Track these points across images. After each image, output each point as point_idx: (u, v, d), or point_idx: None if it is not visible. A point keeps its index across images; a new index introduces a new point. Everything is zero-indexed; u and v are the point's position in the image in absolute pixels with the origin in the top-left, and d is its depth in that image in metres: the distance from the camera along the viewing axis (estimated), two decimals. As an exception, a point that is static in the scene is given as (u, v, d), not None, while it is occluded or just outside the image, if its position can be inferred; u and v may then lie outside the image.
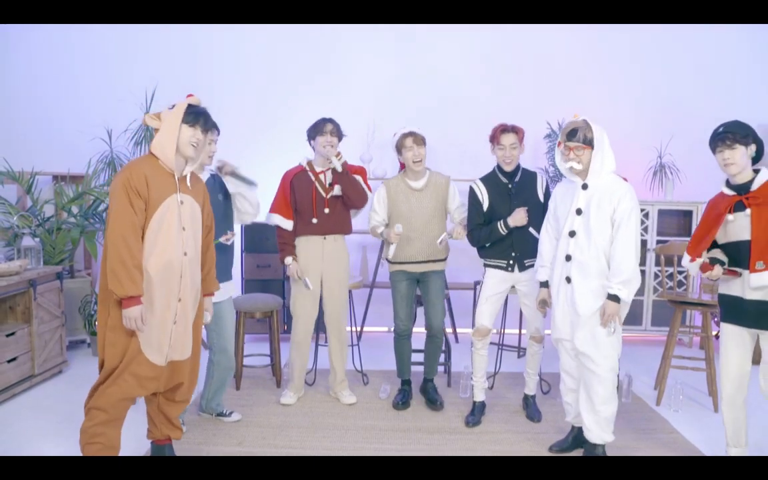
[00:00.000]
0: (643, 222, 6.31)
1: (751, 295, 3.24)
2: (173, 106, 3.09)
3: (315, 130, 4.30)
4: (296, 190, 4.32)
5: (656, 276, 6.37)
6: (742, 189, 3.26)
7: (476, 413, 4.27)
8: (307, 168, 4.39)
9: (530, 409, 4.36)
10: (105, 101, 6.46)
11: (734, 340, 3.38)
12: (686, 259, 3.50)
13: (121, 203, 2.94)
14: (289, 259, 4.35)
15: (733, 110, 6.52)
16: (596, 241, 3.41)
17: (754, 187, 3.22)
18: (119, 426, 3.21)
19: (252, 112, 6.51)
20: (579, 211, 3.47)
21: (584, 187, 3.47)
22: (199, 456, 3.61)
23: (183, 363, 3.25)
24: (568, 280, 3.51)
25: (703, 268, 3.36)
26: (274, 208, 4.36)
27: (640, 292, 6.34)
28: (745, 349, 3.38)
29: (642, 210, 6.29)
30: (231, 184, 3.97)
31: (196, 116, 3.08)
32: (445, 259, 4.44)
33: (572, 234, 3.50)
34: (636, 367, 5.54)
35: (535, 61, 6.63)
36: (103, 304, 3.07)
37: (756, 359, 3.53)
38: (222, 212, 3.94)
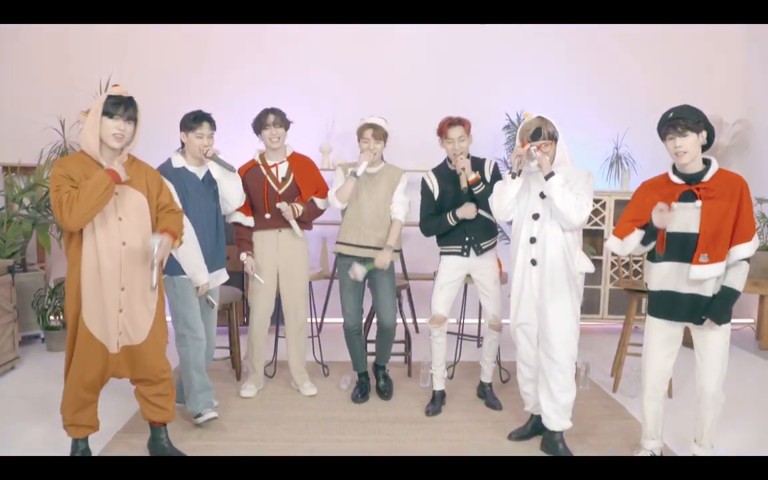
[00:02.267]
0: (599, 212, 6.40)
1: (686, 289, 3.15)
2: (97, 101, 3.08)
3: (259, 125, 4.26)
4: (249, 186, 4.27)
5: (613, 265, 6.47)
6: (692, 179, 3.12)
7: (436, 402, 4.30)
8: (260, 162, 4.34)
9: (488, 397, 4.41)
10: (58, 90, 6.31)
11: (661, 335, 3.31)
12: (614, 241, 3.35)
13: (55, 185, 2.99)
14: (243, 256, 4.31)
15: (688, 101, 6.67)
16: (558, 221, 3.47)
17: (707, 178, 3.09)
18: (93, 408, 3.34)
19: (210, 107, 6.41)
20: (542, 195, 3.50)
21: (547, 176, 3.48)
22: (155, 456, 3.55)
23: (140, 347, 3.23)
24: (534, 262, 3.55)
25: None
26: None
27: (597, 280, 6.44)
28: (671, 345, 3.32)
29: (599, 200, 6.39)
30: (214, 170, 3.96)
31: (116, 106, 3.06)
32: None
33: (536, 216, 3.54)
34: (593, 354, 5.63)
35: (494, 55, 6.69)
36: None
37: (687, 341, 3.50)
38: (217, 203, 4.01)
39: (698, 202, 3.09)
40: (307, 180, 4.36)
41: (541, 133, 3.44)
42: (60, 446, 3.56)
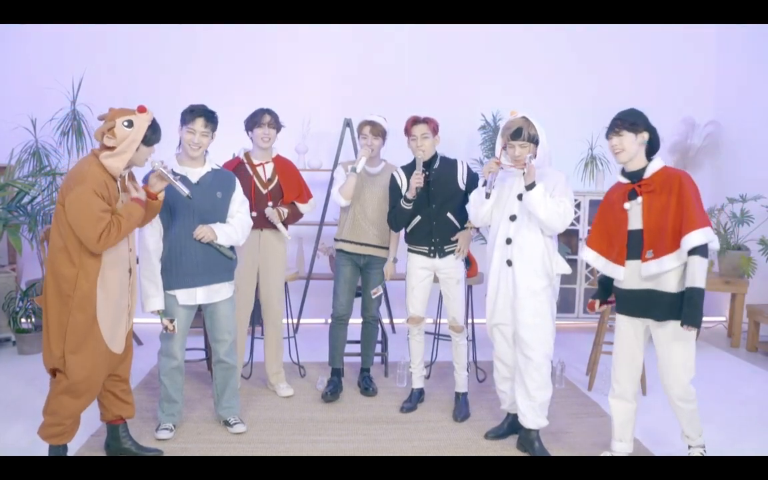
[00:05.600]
0: (575, 212, 6.44)
1: (641, 285, 3.21)
2: (128, 121, 3.05)
3: (252, 122, 4.25)
4: None
5: (587, 265, 6.52)
6: (635, 176, 3.24)
7: (412, 400, 4.33)
8: (245, 160, 4.31)
9: (456, 406, 4.27)
10: (28, 89, 6.22)
11: (626, 331, 3.35)
12: (594, 256, 3.40)
13: (92, 212, 2.96)
14: (269, 210, 4.26)
15: (661, 103, 6.77)
16: (536, 223, 3.49)
17: (647, 174, 3.20)
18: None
19: (182, 106, 6.36)
20: (520, 197, 3.53)
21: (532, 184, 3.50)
22: (131, 457, 3.51)
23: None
24: (509, 263, 3.57)
25: (590, 306, 3.55)
26: None
27: (572, 280, 6.49)
28: (637, 341, 3.35)
29: (574, 201, 6.42)
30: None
31: (157, 136, 3.18)
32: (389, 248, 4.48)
33: (513, 218, 3.56)
34: (569, 353, 5.67)
35: (469, 55, 6.71)
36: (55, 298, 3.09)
37: None
38: (219, 210, 3.74)
39: (639, 199, 3.20)
40: (290, 183, 4.39)
41: (521, 133, 3.47)
42: (33, 448, 3.51)
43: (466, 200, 4.02)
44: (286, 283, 4.67)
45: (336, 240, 4.50)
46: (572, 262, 6.43)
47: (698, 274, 3.03)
